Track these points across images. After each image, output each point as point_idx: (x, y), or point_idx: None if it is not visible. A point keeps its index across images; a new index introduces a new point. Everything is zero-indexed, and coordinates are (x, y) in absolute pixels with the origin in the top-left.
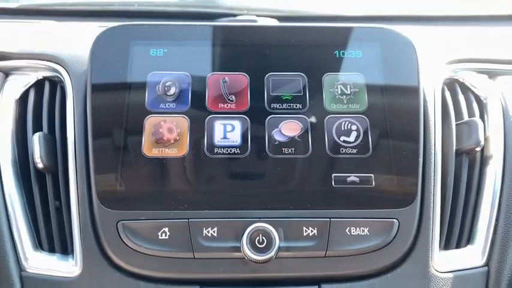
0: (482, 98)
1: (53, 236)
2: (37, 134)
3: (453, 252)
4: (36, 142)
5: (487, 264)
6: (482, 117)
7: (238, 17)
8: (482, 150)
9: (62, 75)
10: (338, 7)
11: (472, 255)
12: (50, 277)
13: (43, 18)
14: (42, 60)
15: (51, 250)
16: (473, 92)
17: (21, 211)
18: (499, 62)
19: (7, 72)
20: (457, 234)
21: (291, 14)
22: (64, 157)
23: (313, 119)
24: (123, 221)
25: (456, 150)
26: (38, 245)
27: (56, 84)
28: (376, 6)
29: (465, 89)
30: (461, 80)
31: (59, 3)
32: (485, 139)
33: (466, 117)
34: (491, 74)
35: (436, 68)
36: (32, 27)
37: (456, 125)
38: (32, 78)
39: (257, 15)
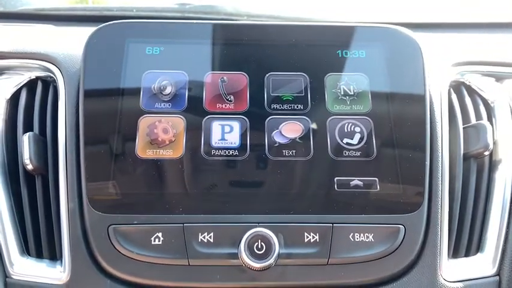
0: (489, 101)
1: (41, 241)
2: (27, 134)
3: (462, 261)
4: (26, 142)
5: (498, 273)
6: (490, 120)
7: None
8: (490, 155)
9: (55, 75)
10: (340, 14)
11: (482, 264)
12: (36, 284)
13: (41, 22)
14: (36, 59)
15: (39, 256)
16: (480, 95)
17: (8, 214)
18: (506, 64)
19: None
20: (466, 241)
21: (292, 20)
22: (55, 159)
23: (314, 120)
24: (115, 225)
25: (464, 154)
26: (25, 250)
27: (49, 84)
28: (379, 14)
29: (472, 92)
30: (468, 83)
31: (57, 8)
32: (494, 143)
33: (473, 121)
34: (499, 77)
35: (442, 70)
36: (28, 29)
37: (463, 128)
38: (25, 77)
39: (257, 21)
